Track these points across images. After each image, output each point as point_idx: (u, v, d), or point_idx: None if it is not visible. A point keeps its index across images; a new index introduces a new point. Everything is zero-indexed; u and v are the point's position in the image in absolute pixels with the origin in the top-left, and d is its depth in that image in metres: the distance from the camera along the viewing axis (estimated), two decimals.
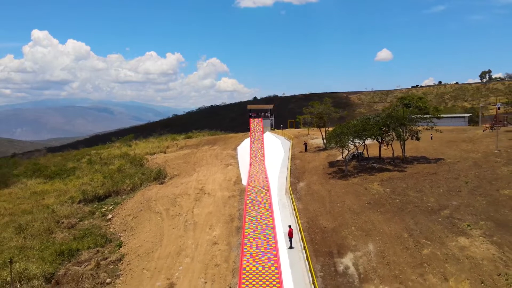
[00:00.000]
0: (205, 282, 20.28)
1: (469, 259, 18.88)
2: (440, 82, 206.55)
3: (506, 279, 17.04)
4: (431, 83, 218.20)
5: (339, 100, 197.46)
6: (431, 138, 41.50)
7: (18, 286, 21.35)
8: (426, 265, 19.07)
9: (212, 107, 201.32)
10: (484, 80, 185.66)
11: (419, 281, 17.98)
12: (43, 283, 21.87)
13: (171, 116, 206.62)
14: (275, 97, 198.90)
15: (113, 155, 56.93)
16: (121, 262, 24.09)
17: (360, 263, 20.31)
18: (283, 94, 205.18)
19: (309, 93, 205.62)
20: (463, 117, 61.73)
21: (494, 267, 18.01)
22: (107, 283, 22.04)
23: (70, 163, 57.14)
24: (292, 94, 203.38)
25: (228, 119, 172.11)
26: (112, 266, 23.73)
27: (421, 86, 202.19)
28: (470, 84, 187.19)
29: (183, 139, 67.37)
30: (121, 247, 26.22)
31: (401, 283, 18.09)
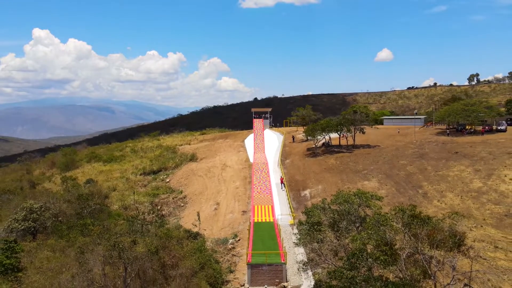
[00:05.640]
0: (235, 202, 42.97)
1: (363, 188, 41.48)
2: (435, 84, 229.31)
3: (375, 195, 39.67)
4: (432, 83, 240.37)
5: (336, 101, 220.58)
6: (398, 132, 64.32)
7: (137, 205, 44.03)
8: (342, 190, 41.65)
9: (215, 107, 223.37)
10: (473, 83, 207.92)
11: None
12: (149, 205, 44.56)
13: (176, 116, 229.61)
14: (275, 98, 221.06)
15: (149, 146, 79.44)
16: (185, 198, 46.83)
17: (312, 192, 42.99)
18: (283, 95, 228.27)
19: (307, 94, 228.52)
20: (420, 118, 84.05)
21: (372, 190, 40.59)
22: (181, 206, 44.79)
23: (115, 152, 79.72)
24: (291, 95, 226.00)
25: (231, 119, 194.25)
26: (181, 200, 46.45)
27: (416, 88, 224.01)
28: (459, 86, 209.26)
29: (199, 135, 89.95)
30: (182, 193, 48.90)
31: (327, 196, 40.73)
